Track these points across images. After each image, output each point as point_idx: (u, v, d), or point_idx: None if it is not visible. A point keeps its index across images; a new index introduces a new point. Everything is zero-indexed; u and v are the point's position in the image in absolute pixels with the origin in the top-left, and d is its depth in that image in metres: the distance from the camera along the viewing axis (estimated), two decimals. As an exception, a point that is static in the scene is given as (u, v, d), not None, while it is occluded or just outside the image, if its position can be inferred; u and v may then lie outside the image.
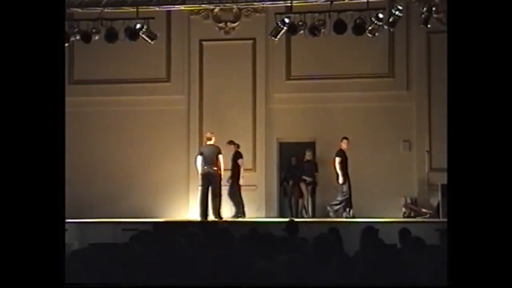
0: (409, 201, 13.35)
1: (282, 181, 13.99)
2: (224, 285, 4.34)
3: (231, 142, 13.29)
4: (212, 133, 12.87)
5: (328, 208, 12.96)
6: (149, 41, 12.89)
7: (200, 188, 12.67)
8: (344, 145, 13.04)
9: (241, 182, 13.09)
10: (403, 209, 13.28)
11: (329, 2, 12.22)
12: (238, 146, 13.35)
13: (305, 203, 13.54)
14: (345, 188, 12.84)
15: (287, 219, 9.72)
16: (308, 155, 13.65)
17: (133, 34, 12.62)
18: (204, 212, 12.50)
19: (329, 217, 12.80)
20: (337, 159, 12.87)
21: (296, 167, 13.73)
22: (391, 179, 13.41)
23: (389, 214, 12.61)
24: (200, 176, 12.64)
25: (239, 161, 13.12)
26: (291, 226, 7.82)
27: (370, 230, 6.91)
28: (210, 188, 12.52)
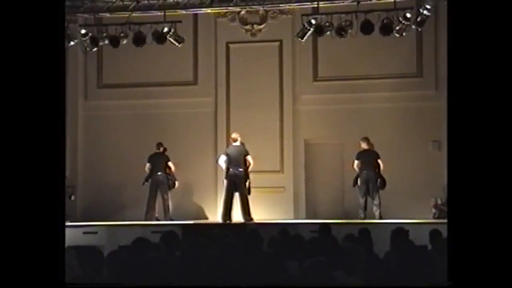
0: (439, 202, 13.18)
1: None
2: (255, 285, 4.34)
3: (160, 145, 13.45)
4: (238, 133, 12.86)
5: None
6: (176, 44, 12.96)
7: (224, 190, 12.70)
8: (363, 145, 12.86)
9: (176, 185, 13.33)
10: (433, 210, 13.13)
11: (355, 3, 12.14)
12: (165, 150, 13.44)
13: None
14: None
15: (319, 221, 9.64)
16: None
17: (160, 38, 12.70)
18: (227, 213, 12.51)
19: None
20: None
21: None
22: (421, 179, 13.25)
23: (419, 215, 12.48)
24: (225, 178, 12.67)
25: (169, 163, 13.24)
26: (324, 228, 7.78)
27: (400, 231, 6.86)
28: (237, 190, 12.53)
